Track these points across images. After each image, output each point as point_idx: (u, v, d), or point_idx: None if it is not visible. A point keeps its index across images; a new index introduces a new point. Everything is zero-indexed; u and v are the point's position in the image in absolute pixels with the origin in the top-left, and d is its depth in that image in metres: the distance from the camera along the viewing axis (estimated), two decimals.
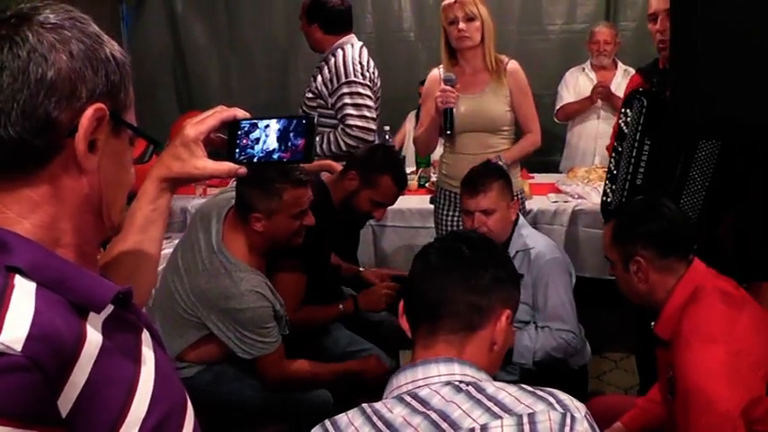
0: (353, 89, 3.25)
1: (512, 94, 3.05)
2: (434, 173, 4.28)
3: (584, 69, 4.68)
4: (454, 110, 2.96)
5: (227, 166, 1.13)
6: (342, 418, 1.23)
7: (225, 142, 1.16)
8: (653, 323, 1.97)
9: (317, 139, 3.29)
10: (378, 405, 1.21)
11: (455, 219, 3.15)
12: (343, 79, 3.25)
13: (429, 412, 1.14)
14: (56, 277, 0.78)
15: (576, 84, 4.64)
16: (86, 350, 0.76)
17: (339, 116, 3.26)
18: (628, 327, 2.97)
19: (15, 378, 0.69)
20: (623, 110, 2.63)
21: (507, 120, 3.07)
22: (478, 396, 1.15)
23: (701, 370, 1.72)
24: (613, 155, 2.69)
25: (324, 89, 3.31)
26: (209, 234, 2.37)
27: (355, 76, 3.25)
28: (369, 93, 3.28)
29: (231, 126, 1.15)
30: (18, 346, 0.69)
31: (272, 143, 1.14)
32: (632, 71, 3.84)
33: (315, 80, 3.39)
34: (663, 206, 1.98)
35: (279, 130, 1.14)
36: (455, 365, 1.22)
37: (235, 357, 2.37)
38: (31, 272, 0.76)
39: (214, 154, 1.15)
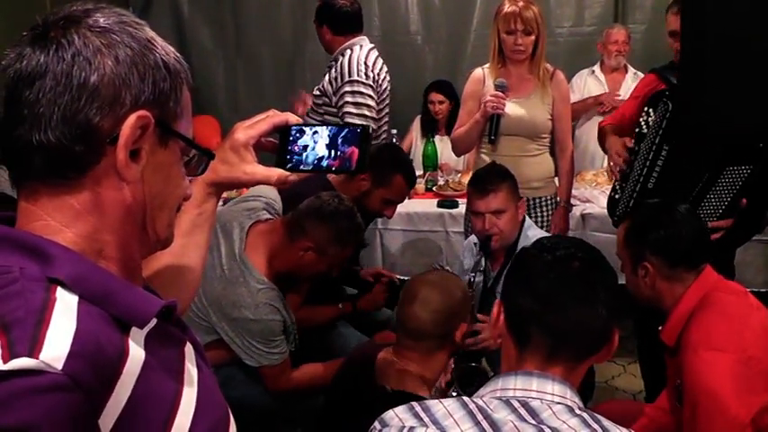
0: (355, 88, 3.30)
1: (554, 103, 3.05)
2: (441, 176, 4.28)
3: (593, 72, 4.65)
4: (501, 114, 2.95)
5: (276, 172, 1.09)
6: (436, 406, 1.18)
7: (275, 147, 1.12)
8: (660, 328, 1.95)
9: None
10: (480, 402, 1.17)
11: None
12: (347, 78, 3.31)
13: (542, 426, 1.11)
14: (98, 291, 0.76)
15: (585, 87, 4.61)
16: (129, 367, 0.73)
17: (340, 114, 3.32)
18: (635, 331, 2.95)
19: (56, 397, 0.66)
20: (646, 108, 2.58)
21: (548, 128, 3.07)
22: (595, 426, 1.13)
23: (709, 378, 1.70)
24: (630, 154, 2.66)
25: (329, 88, 3.39)
26: (232, 242, 2.37)
27: (358, 75, 3.30)
28: (370, 92, 3.32)
29: (283, 132, 1.11)
30: (59, 365, 0.66)
31: (322, 150, 1.09)
32: (642, 75, 3.82)
33: (323, 79, 3.46)
34: (679, 214, 1.95)
35: (328, 136, 1.09)
36: (567, 390, 1.19)
37: (243, 361, 2.37)
38: (73, 284, 0.74)
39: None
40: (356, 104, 3.29)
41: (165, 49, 0.84)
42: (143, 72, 0.80)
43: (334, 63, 3.42)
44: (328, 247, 2.36)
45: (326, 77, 3.42)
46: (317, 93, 3.47)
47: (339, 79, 3.33)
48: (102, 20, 0.80)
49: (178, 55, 0.86)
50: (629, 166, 2.64)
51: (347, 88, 3.30)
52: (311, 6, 3.66)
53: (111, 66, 0.78)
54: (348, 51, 3.38)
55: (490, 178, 2.62)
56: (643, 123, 2.58)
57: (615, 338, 1.27)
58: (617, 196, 2.71)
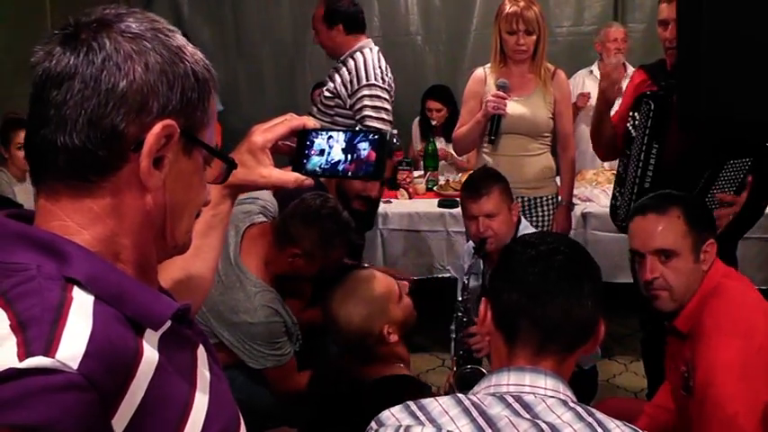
0: (374, 92, 3.30)
1: (555, 102, 3.06)
2: (442, 176, 4.28)
3: (591, 72, 4.65)
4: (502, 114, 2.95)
5: (293, 176, 1.10)
6: (432, 404, 1.19)
7: (292, 151, 1.13)
8: (666, 322, 1.96)
9: None
10: (474, 399, 1.18)
11: None
12: (364, 82, 3.30)
13: (537, 421, 1.12)
14: (114, 291, 0.76)
15: (583, 88, 4.61)
16: (143, 368, 0.74)
17: (358, 117, 3.31)
18: (636, 330, 2.96)
19: (71, 396, 0.66)
20: (631, 113, 2.61)
21: (549, 126, 3.08)
22: (589, 420, 1.14)
23: (719, 364, 1.72)
24: (622, 159, 2.68)
25: (343, 90, 3.36)
26: (227, 246, 2.36)
27: (375, 79, 3.31)
28: (387, 96, 3.34)
29: (300, 135, 1.12)
30: (74, 364, 0.67)
31: (338, 154, 1.09)
32: None
33: (333, 81, 3.43)
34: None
35: (345, 141, 1.10)
36: (560, 384, 1.21)
37: (245, 363, 2.37)
38: (90, 284, 0.74)
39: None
40: (375, 108, 3.29)
41: (195, 57, 0.83)
42: (172, 80, 0.79)
43: (342, 65, 3.39)
44: (316, 250, 2.34)
45: (338, 79, 3.39)
46: (328, 94, 3.44)
47: (356, 82, 3.31)
48: (134, 25, 0.79)
49: (207, 62, 0.85)
50: (623, 170, 2.65)
51: (366, 92, 3.29)
52: (311, 6, 3.66)
53: (140, 72, 0.77)
54: (359, 54, 3.36)
55: (482, 182, 2.62)
56: (630, 127, 2.59)
57: (601, 329, 1.29)
58: (617, 203, 2.72)
